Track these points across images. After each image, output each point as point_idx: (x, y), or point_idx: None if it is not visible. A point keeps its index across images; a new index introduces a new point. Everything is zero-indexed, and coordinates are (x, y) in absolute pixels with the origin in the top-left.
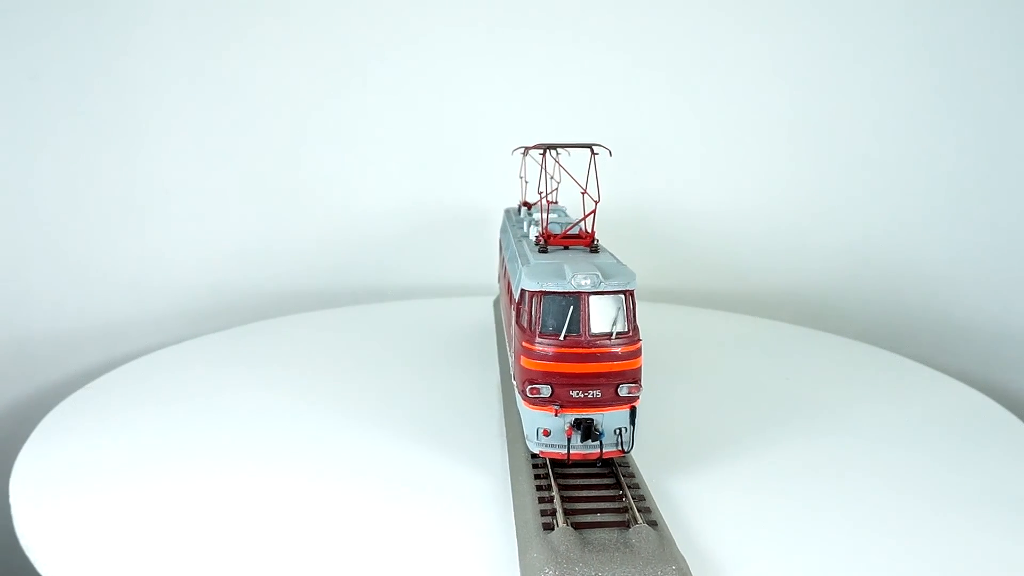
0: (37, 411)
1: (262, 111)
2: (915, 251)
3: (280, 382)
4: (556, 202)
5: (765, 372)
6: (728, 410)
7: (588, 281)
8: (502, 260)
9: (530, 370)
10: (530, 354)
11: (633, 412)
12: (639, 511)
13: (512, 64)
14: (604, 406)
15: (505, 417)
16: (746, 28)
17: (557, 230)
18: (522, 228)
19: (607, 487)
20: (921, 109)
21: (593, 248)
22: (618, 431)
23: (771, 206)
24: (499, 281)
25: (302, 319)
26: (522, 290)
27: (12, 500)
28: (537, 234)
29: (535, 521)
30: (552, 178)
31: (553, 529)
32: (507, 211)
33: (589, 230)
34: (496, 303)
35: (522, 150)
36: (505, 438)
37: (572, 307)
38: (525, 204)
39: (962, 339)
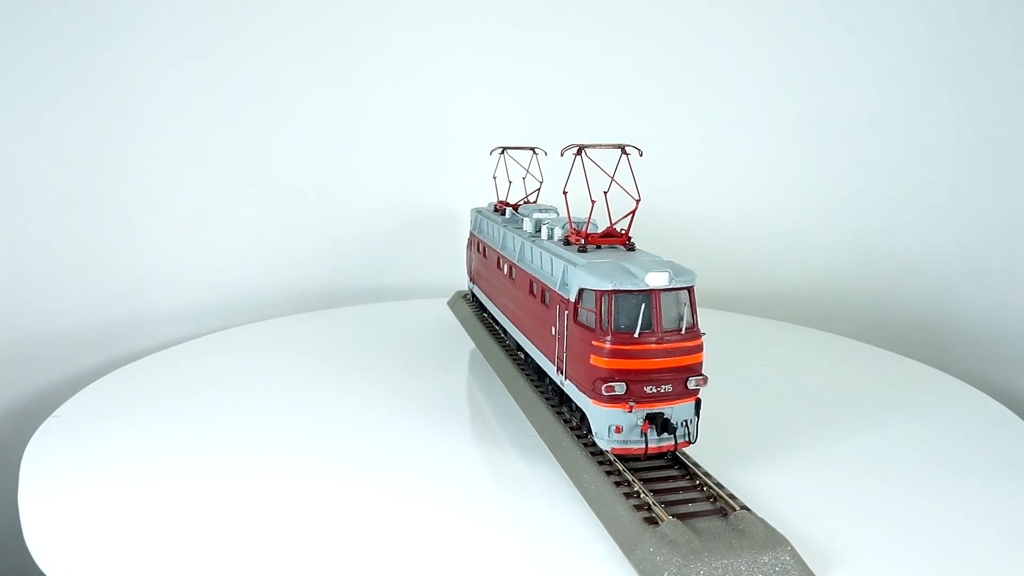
0: (38, 412)
1: (261, 111)
2: (916, 251)
3: (284, 381)
4: (532, 202)
5: (766, 370)
6: (743, 407)
7: (661, 279)
8: (497, 260)
9: (604, 368)
10: (604, 353)
11: (698, 403)
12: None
13: (493, 65)
14: (674, 399)
15: (526, 413)
16: (746, 28)
17: (566, 230)
18: (520, 227)
19: (679, 478)
20: (921, 110)
21: (629, 247)
22: (685, 423)
23: (771, 207)
24: (474, 283)
25: (303, 319)
26: (582, 289)
27: (20, 500)
28: (564, 234)
29: (631, 516)
30: (525, 179)
31: (658, 523)
32: (479, 211)
33: (623, 229)
34: (453, 304)
35: (499, 150)
36: (538, 434)
37: (644, 304)
38: (508, 204)
39: (963, 339)
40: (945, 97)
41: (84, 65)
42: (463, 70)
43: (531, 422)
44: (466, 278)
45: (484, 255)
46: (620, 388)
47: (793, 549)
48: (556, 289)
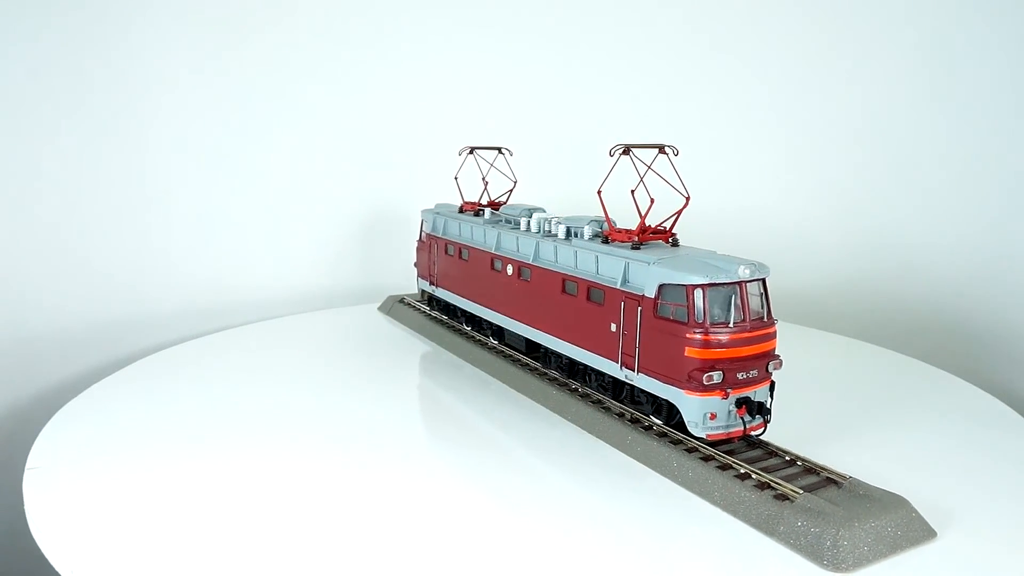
0: (39, 411)
1: (255, 112)
2: (917, 250)
3: (286, 381)
4: (506, 202)
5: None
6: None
7: (748, 271)
8: (489, 261)
9: (699, 359)
10: (699, 343)
11: (772, 385)
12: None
13: (469, 64)
14: (758, 383)
15: (558, 412)
16: (743, 27)
17: (598, 230)
18: (518, 227)
19: (766, 457)
20: (926, 110)
21: (674, 243)
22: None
23: (773, 207)
24: (438, 286)
25: (305, 319)
26: (664, 285)
27: (26, 499)
28: (596, 231)
29: (758, 496)
30: (486, 178)
31: (791, 499)
32: (438, 212)
33: (668, 227)
34: (391, 310)
35: (468, 151)
36: (586, 431)
37: (733, 296)
38: (481, 205)
39: (965, 339)
40: (949, 99)
41: (84, 66)
42: (425, 71)
43: (569, 420)
44: (417, 282)
45: (459, 257)
46: (718, 376)
47: (913, 506)
48: (617, 286)
